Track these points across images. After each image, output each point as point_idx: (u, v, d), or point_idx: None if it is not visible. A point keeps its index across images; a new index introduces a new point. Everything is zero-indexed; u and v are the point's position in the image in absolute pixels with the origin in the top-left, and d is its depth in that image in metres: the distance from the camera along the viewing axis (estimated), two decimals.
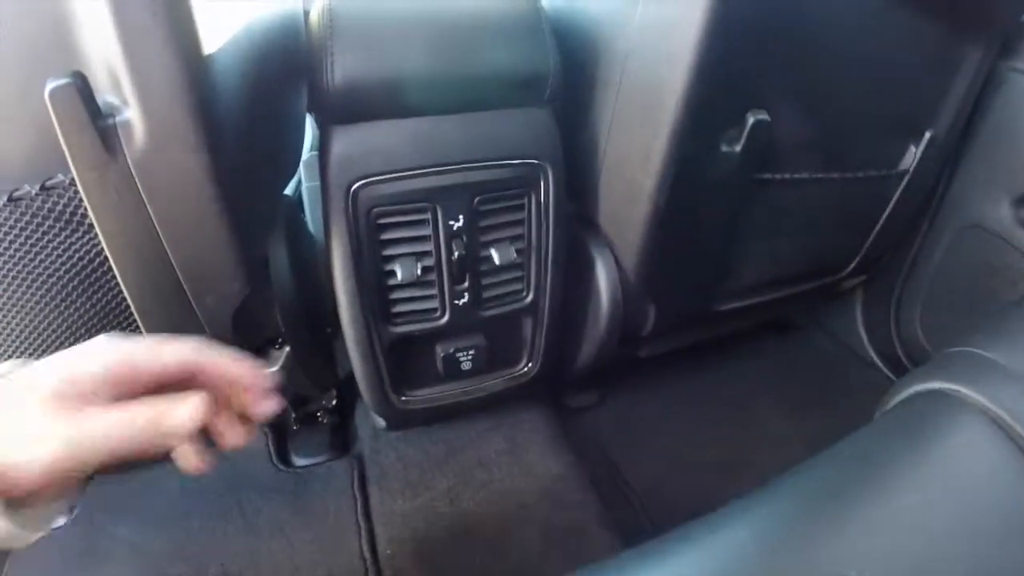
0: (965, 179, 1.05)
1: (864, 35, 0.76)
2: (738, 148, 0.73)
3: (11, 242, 0.58)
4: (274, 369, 0.82)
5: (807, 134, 0.81)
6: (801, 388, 1.25)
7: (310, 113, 0.87)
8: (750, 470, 1.04)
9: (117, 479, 1.00)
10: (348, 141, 0.68)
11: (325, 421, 1.09)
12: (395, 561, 0.86)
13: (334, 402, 1.09)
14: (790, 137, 0.78)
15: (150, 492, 0.98)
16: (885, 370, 1.28)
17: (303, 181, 1.01)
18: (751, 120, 0.71)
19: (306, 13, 0.73)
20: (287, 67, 0.75)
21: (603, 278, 0.86)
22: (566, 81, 0.75)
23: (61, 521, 0.92)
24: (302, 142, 0.94)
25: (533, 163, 0.75)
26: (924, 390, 0.68)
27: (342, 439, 1.08)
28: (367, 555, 0.88)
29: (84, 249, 0.61)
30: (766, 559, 0.46)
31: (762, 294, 1.00)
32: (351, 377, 0.90)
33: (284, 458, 1.04)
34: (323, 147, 0.69)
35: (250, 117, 0.66)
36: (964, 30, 0.83)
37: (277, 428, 1.09)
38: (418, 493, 0.94)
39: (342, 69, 0.64)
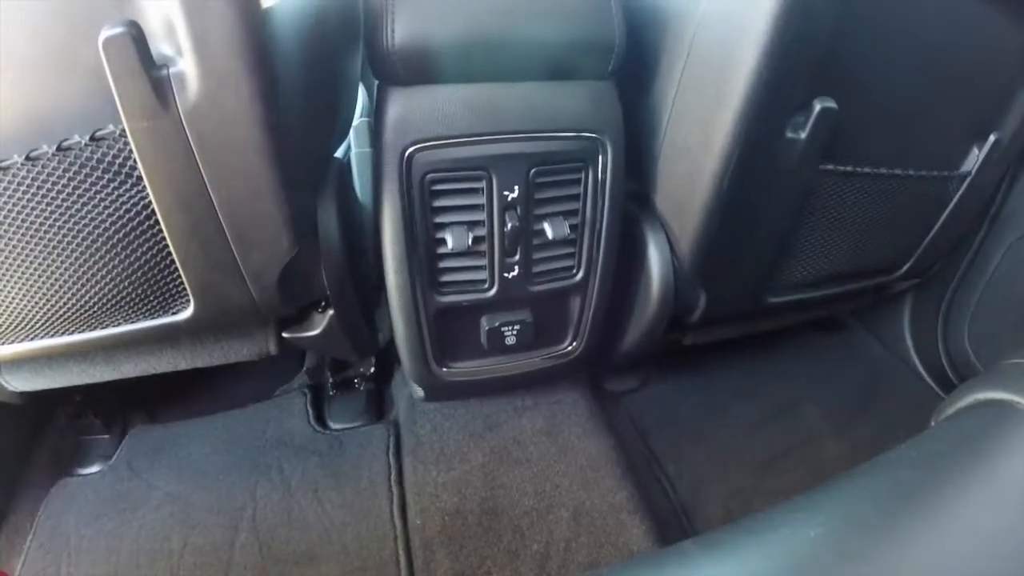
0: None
1: (939, 29, 0.72)
2: (803, 135, 0.70)
3: (59, 191, 0.58)
4: (316, 332, 0.81)
5: (873, 126, 0.78)
6: (844, 390, 1.22)
7: (363, 79, 0.85)
8: (787, 470, 1.02)
9: (160, 427, 1.03)
10: (405, 104, 0.66)
11: (362, 388, 1.09)
12: (424, 532, 0.85)
13: (372, 369, 1.09)
14: (855, 128, 0.75)
15: (191, 443, 1.00)
16: (928, 379, 1.25)
17: (352, 147, 1.00)
18: (818, 107, 0.68)
19: None
20: (344, 27, 0.74)
21: (655, 261, 0.84)
22: (630, 56, 0.72)
23: (96, 467, 0.94)
24: (354, 106, 0.92)
25: (592, 137, 0.73)
26: (986, 399, 0.64)
27: (378, 407, 1.08)
28: (396, 521, 0.88)
29: (131, 201, 0.61)
30: (838, 562, 0.45)
31: (813, 290, 0.97)
32: (390, 345, 0.89)
33: (322, 420, 1.05)
34: (379, 109, 0.68)
35: (306, 74, 0.65)
36: None
37: (316, 391, 1.09)
38: (452, 466, 0.94)
39: (402, 29, 0.63)
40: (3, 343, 0.71)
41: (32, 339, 0.71)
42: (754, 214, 0.78)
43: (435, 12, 0.63)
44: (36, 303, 0.66)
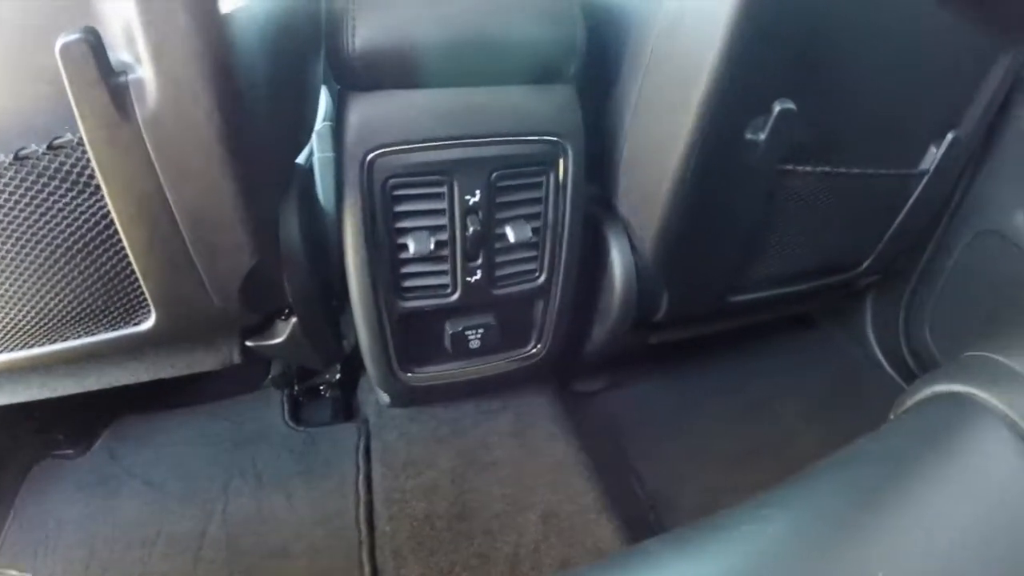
0: (985, 183, 1.06)
1: (899, 32, 0.75)
2: (763, 136, 0.72)
3: (16, 202, 0.58)
4: (280, 340, 0.81)
5: (832, 127, 0.81)
6: (813, 385, 1.26)
7: (326, 83, 0.85)
8: (759, 466, 1.05)
9: (142, 417, 1.06)
10: (366, 109, 0.67)
11: (328, 395, 1.09)
12: (394, 539, 0.86)
13: (337, 376, 1.09)
14: (815, 129, 0.77)
15: (172, 432, 1.04)
16: (891, 371, 1.30)
17: (315, 152, 1.00)
18: (777, 109, 0.70)
19: None
20: (306, 32, 0.74)
21: (618, 262, 0.85)
22: (592, 59, 0.74)
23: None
24: (316, 111, 0.93)
25: (554, 141, 0.74)
26: (943, 392, 0.69)
27: (345, 413, 1.09)
28: (362, 527, 0.89)
29: (91, 211, 0.61)
30: (803, 557, 0.48)
31: (775, 288, 1.00)
32: (355, 352, 0.90)
33: (296, 416, 1.08)
34: (340, 114, 0.68)
35: (268, 80, 0.65)
36: (996, 34, 0.82)
37: (290, 390, 1.12)
38: (420, 471, 0.94)
39: (363, 33, 0.63)
40: None
41: None
42: (715, 215, 0.80)
43: (396, 17, 0.64)
44: None
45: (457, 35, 0.66)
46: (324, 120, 0.98)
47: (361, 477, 0.95)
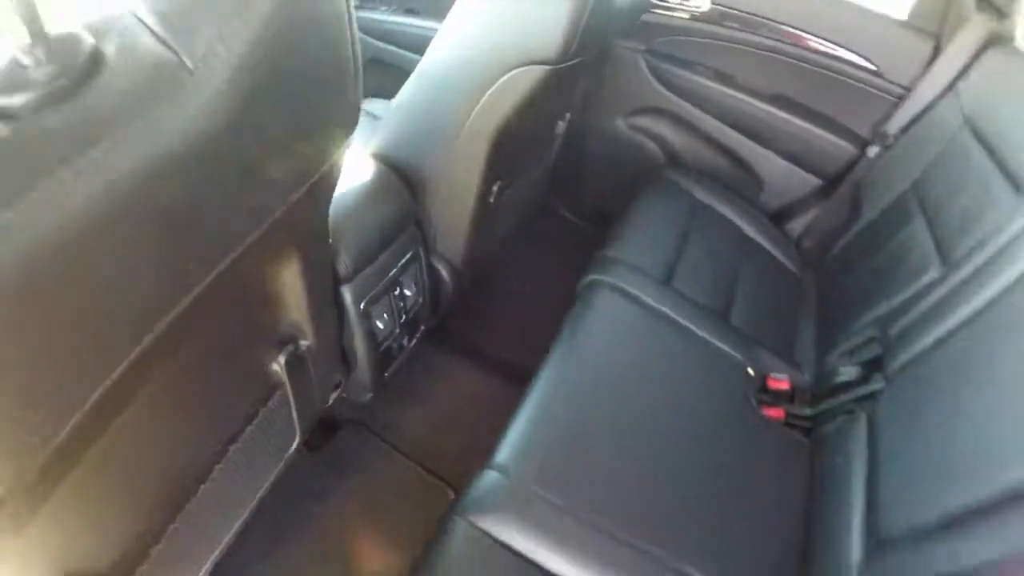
0: (599, 109, 2.03)
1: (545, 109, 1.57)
2: (492, 200, 1.54)
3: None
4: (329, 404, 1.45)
5: (524, 170, 1.65)
6: (563, 251, 2.04)
7: None
8: (556, 314, 1.48)
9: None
10: (356, 288, 1.32)
11: None
12: (444, 457, 1.53)
13: None
14: (518, 176, 1.60)
15: (248, 538, 1.13)
16: (584, 225, 2.30)
17: None
18: (495, 188, 1.52)
19: None
20: None
21: (445, 272, 1.65)
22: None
23: None
24: None
25: (414, 253, 1.48)
26: (590, 281, 1.43)
27: (334, 424, 1.58)
28: (423, 473, 1.50)
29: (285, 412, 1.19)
30: (563, 399, 1.29)
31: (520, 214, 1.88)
32: None
33: (309, 448, 1.46)
34: (339, 293, 1.30)
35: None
36: None
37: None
38: (416, 421, 1.60)
39: (346, 260, 1.26)
40: None
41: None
42: (484, 235, 1.62)
43: (358, 239, 1.28)
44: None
45: (368, 241, 1.33)
46: None
47: (391, 447, 1.51)
